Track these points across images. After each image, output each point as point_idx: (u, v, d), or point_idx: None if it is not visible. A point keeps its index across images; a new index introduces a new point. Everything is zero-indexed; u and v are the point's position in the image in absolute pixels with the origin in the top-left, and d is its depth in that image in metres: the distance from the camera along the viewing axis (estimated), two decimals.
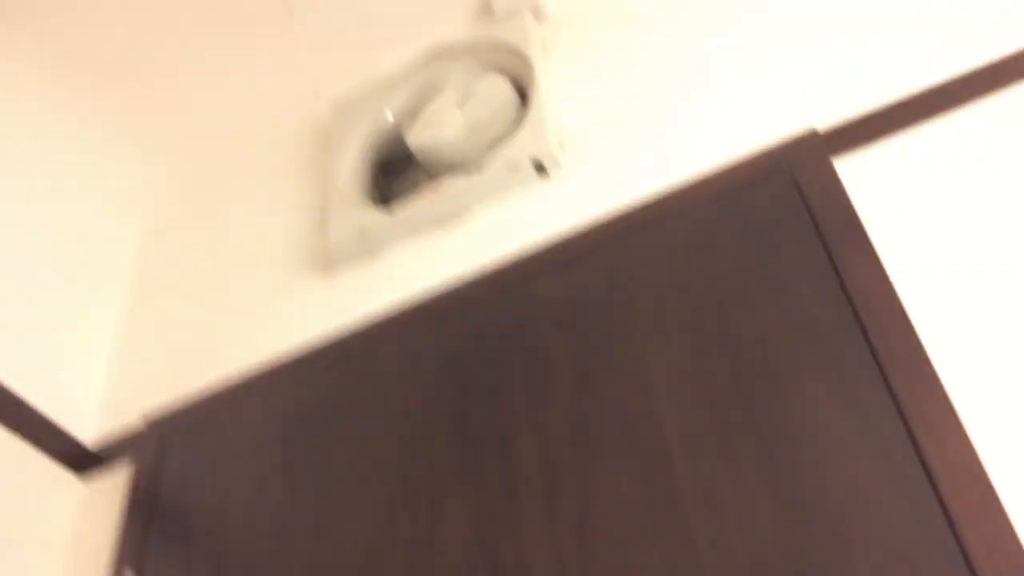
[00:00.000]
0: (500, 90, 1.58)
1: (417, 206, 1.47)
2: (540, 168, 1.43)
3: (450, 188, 1.45)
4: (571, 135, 1.46)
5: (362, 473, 1.26)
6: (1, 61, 1.66)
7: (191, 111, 1.86)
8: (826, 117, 1.25)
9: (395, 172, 1.69)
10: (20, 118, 1.67)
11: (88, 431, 1.52)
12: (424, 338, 1.34)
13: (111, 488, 1.44)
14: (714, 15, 1.47)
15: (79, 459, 1.47)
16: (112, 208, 1.79)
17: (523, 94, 1.57)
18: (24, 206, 1.59)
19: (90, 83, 1.78)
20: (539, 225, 1.38)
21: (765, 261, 1.17)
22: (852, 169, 1.18)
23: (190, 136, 1.89)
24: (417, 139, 1.54)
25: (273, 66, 1.83)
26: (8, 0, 1.65)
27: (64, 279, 1.60)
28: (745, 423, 1.07)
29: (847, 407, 1.03)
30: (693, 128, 1.36)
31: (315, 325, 1.45)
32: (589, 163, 1.41)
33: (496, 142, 1.50)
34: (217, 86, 1.84)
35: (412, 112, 1.63)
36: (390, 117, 1.69)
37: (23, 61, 1.69)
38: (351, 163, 1.65)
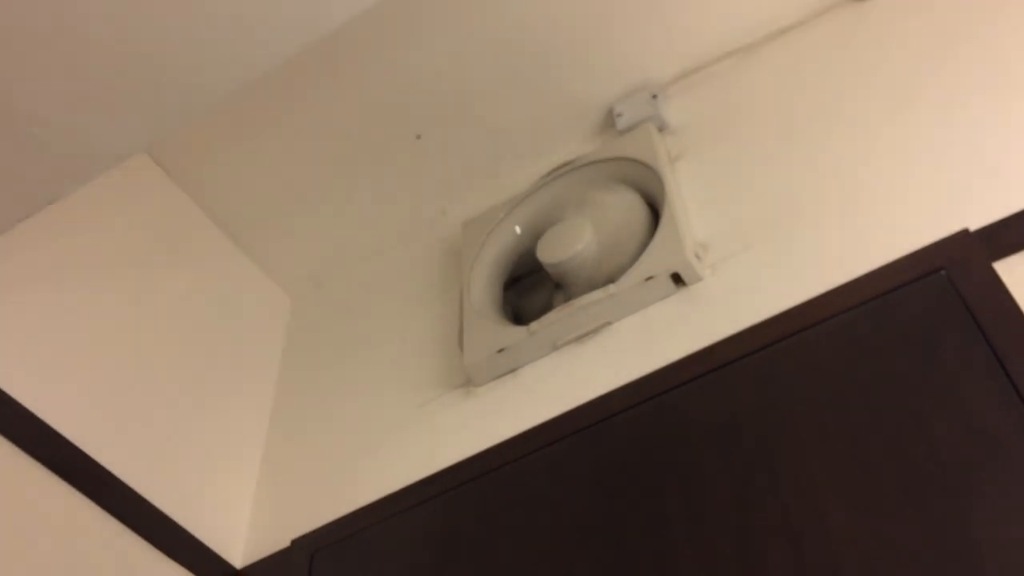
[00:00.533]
0: (629, 203, 1.59)
1: (554, 321, 1.47)
2: (677, 280, 1.42)
3: (587, 302, 1.45)
4: (706, 245, 1.46)
5: None
6: (169, 207, 1.79)
7: (324, 238, 1.94)
8: (978, 217, 1.22)
9: (524, 287, 1.71)
10: (175, 256, 1.77)
11: (237, 554, 1.54)
12: (571, 454, 1.33)
13: None
14: (850, 119, 1.47)
15: None
16: (253, 336, 1.85)
17: (652, 206, 1.58)
18: (175, 340, 1.66)
19: (236, 220, 1.88)
20: (680, 337, 1.37)
21: (926, 367, 1.14)
22: (1012, 270, 1.15)
23: (324, 261, 1.96)
24: (549, 255, 1.56)
25: (401, 187, 1.89)
26: (166, 155, 1.77)
27: (211, 409, 1.65)
28: (924, 538, 1.02)
29: None
30: (833, 232, 1.35)
31: (457, 443, 1.45)
32: (728, 272, 1.41)
33: (629, 255, 1.50)
34: (348, 212, 1.91)
35: (541, 227, 1.66)
36: (519, 232, 1.72)
37: (178, 204, 1.81)
38: (483, 279, 1.68)
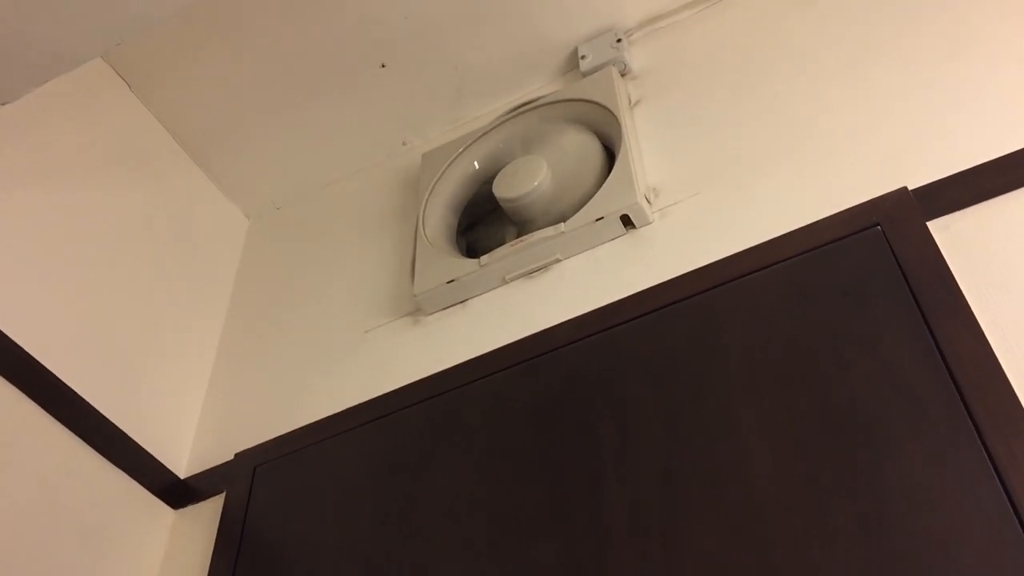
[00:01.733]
0: (586, 145, 1.62)
1: (505, 256, 1.50)
2: (627, 222, 1.45)
3: (538, 239, 1.48)
4: (657, 189, 1.49)
5: (450, 512, 1.28)
6: (129, 120, 1.79)
7: (285, 161, 1.94)
8: (918, 176, 1.26)
9: (479, 221, 1.74)
10: (134, 170, 1.76)
11: (181, 464, 1.57)
12: (511, 384, 1.37)
13: (202, 518, 1.49)
14: (805, 74, 1.50)
15: (173, 490, 1.53)
16: (207, 254, 1.86)
17: (609, 148, 1.61)
18: (130, 253, 1.67)
19: (197, 139, 1.88)
20: (626, 278, 1.40)
21: (855, 318, 1.18)
22: (945, 229, 1.19)
23: (283, 185, 1.97)
24: (505, 190, 1.58)
25: (364, 115, 1.89)
26: (133, 70, 1.77)
27: (162, 321, 1.67)
28: (837, 479, 1.07)
29: (942, 465, 1.03)
30: (780, 184, 1.38)
31: (402, 369, 1.49)
32: (676, 217, 1.44)
33: (583, 195, 1.53)
34: (310, 136, 1.91)
35: (498, 163, 1.68)
36: (477, 167, 1.73)
37: (140, 118, 1.82)
38: (438, 211, 1.70)
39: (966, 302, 1.11)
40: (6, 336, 1.36)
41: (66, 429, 1.41)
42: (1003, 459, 1.01)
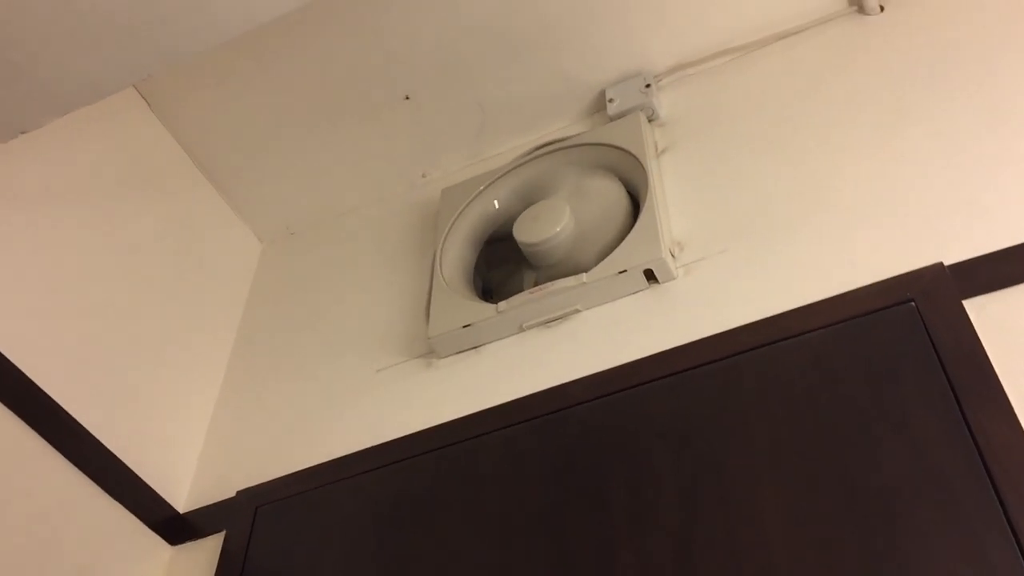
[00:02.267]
0: (611, 191, 1.58)
1: (523, 303, 1.47)
2: (650, 276, 1.42)
3: (558, 288, 1.45)
4: (683, 244, 1.46)
5: (455, 568, 1.25)
6: (147, 139, 1.77)
7: (303, 188, 1.91)
8: (955, 251, 1.23)
9: (498, 262, 1.70)
10: (149, 189, 1.73)
11: (180, 498, 1.53)
12: (524, 438, 1.34)
13: (201, 556, 1.45)
14: (839, 133, 1.47)
15: (171, 525, 1.49)
16: (218, 277, 1.83)
17: (634, 196, 1.58)
18: (140, 276, 1.63)
19: (215, 160, 1.85)
20: (646, 334, 1.37)
21: (885, 396, 1.15)
22: (982, 309, 1.16)
23: (299, 211, 1.94)
24: (525, 234, 1.54)
25: (385, 146, 1.86)
26: (154, 90, 1.74)
27: (170, 349, 1.63)
28: (860, 563, 1.04)
29: (974, 564, 0.99)
30: (810, 248, 1.35)
31: (412, 414, 1.45)
32: (701, 274, 1.41)
33: (606, 244, 1.50)
34: (329, 164, 1.88)
35: (520, 204, 1.65)
36: (497, 206, 1.70)
37: (158, 137, 1.79)
38: (456, 249, 1.67)
39: (1002, 388, 1.08)
40: (5, 358, 1.33)
41: (61, 456, 1.37)
42: None
